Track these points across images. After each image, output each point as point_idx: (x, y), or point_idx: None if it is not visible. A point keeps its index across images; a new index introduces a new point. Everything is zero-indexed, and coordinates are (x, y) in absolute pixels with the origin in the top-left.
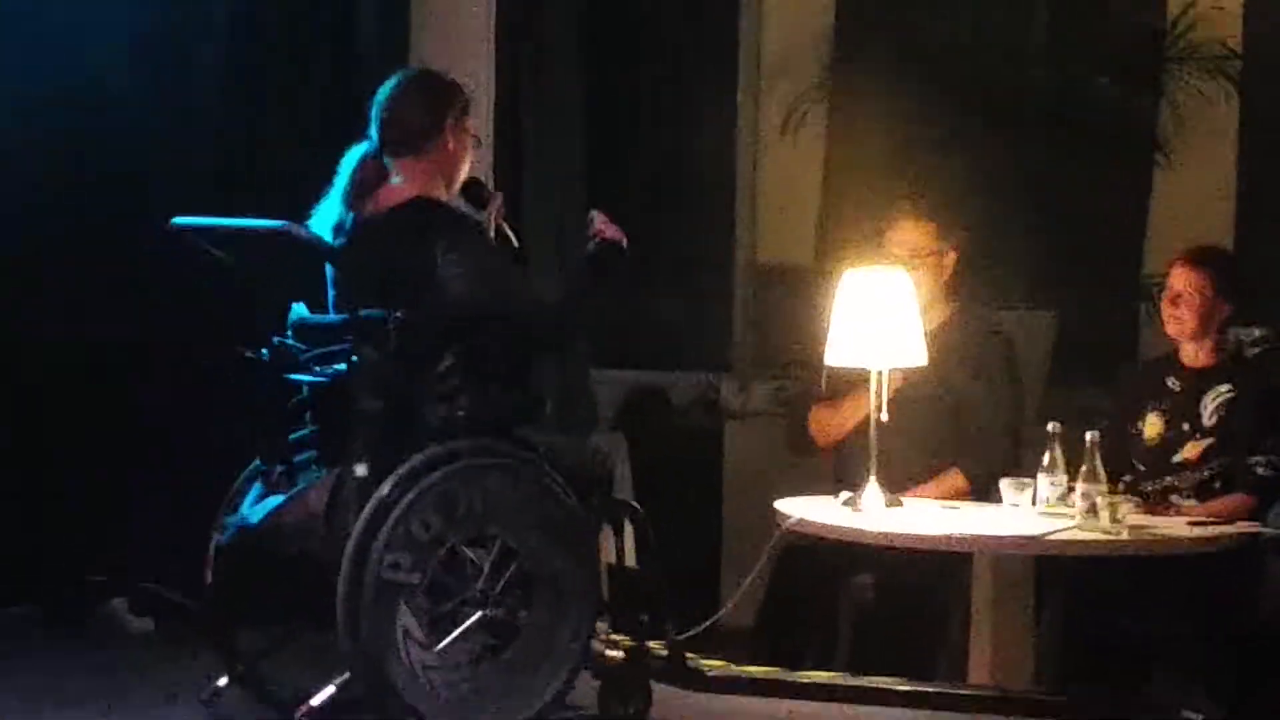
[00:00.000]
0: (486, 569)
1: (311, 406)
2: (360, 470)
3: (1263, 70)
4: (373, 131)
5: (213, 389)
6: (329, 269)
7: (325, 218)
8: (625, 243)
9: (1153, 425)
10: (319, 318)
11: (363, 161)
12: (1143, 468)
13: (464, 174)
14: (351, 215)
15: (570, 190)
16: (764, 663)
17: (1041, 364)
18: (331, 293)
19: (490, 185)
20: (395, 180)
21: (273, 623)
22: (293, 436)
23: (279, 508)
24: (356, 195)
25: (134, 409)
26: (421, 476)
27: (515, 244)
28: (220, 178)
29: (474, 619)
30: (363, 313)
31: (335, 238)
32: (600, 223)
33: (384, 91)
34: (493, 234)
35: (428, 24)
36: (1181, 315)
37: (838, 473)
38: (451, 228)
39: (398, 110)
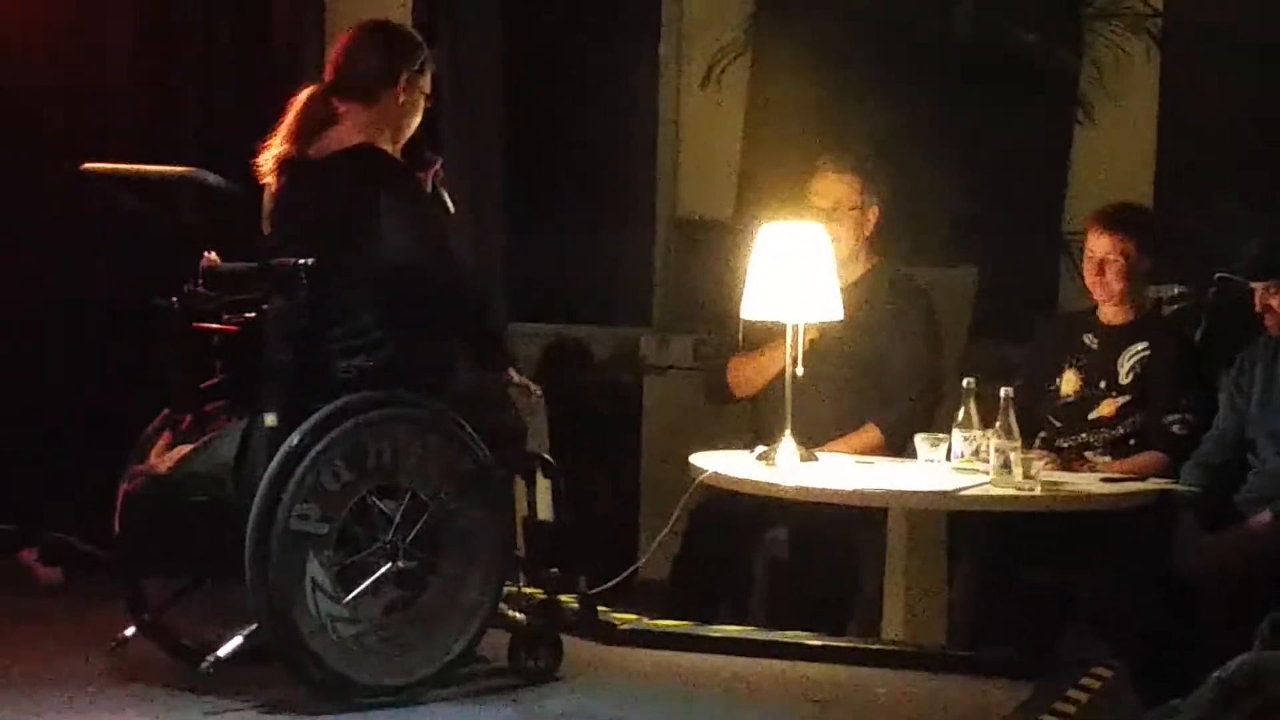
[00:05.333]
0: (396, 520)
1: (222, 355)
2: (270, 420)
3: (1183, 27)
4: (326, 74)
5: (123, 338)
6: (264, 208)
7: (269, 157)
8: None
9: (1069, 382)
10: (230, 265)
11: (311, 99)
12: (1059, 424)
13: (411, 130)
14: (295, 156)
15: (489, 145)
16: (678, 617)
17: (961, 319)
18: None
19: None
20: (342, 124)
21: (181, 572)
22: (203, 385)
23: (188, 457)
24: (303, 136)
25: (42, 359)
26: (331, 427)
27: (450, 209)
28: (136, 135)
29: (383, 570)
30: (274, 261)
31: (277, 178)
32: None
33: (345, 34)
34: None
35: None
36: (1109, 281)
37: (755, 426)
38: (396, 180)
39: (355, 54)
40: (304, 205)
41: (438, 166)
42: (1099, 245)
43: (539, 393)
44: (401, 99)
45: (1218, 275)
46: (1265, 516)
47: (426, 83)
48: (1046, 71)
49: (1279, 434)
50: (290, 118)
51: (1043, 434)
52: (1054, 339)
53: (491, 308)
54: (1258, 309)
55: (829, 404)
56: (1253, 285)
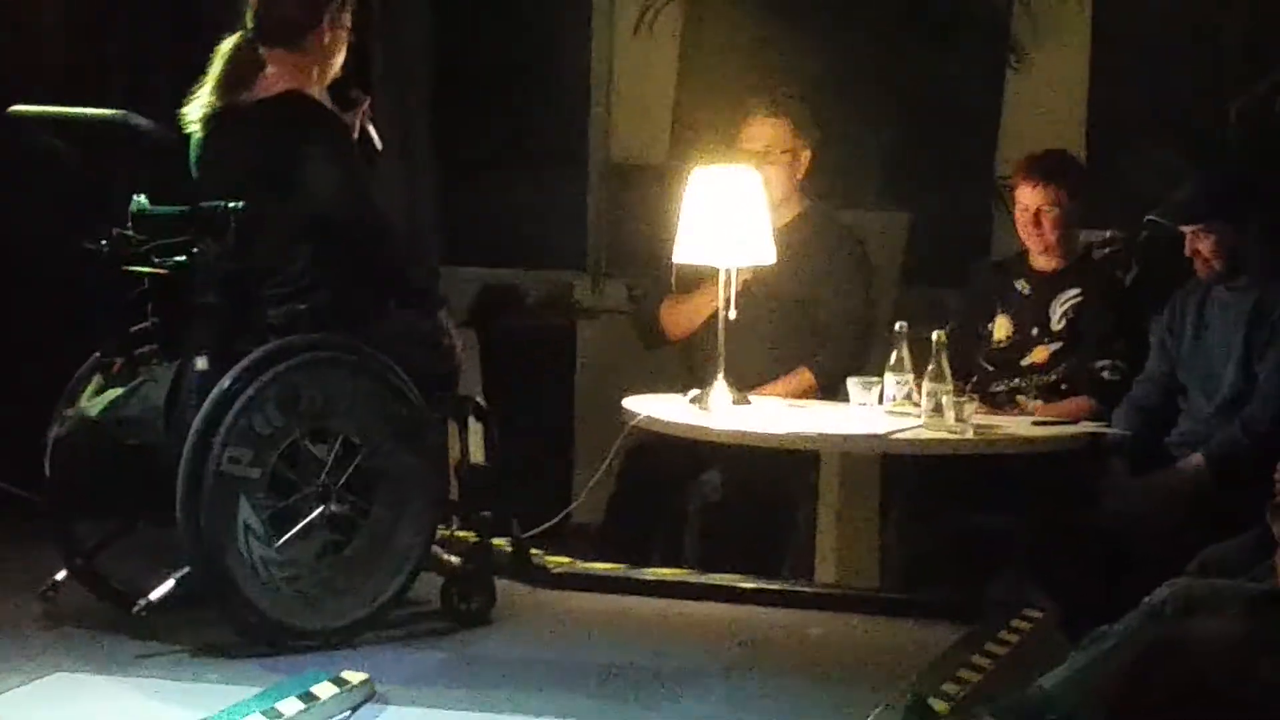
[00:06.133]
0: (329, 464)
1: (152, 298)
2: (201, 363)
3: None
4: (248, 20)
5: (52, 281)
6: (192, 157)
7: (196, 107)
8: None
9: (1002, 327)
10: (160, 209)
11: (236, 50)
12: (991, 369)
13: (336, 69)
14: (222, 105)
15: (419, 88)
16: (612, 560)
17: (893, 263)
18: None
19: None
20: (268, 70)
21: (112, 516)
22: (133, 329)
23: (119, 400)
24: (230, 85)
25: None
26: (263, 370)
27: (378, 146)
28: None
29: (315, 514)
30: (203, 204)
31: (205, 128)
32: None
33: None
34: (357, 135)
35: None
36: (1044, 232)
37: (689, 370)
38: (323, 126)
39: (276, 0)
40: (232, 152)
41: (366, 105)
42: (1032, 197)
43: (461, 344)
44: (326, 39)
45: (1148, 219)
46: (1196, 459)
47: (348, 19)
48: (979, 14)
49: (1209, 378)
50: (216, 68)
51: (975, 379)
52: (987, 285)
53: (412, 257)
54: (1187, 253)
55: (761, 347)
56: (1182, 229)
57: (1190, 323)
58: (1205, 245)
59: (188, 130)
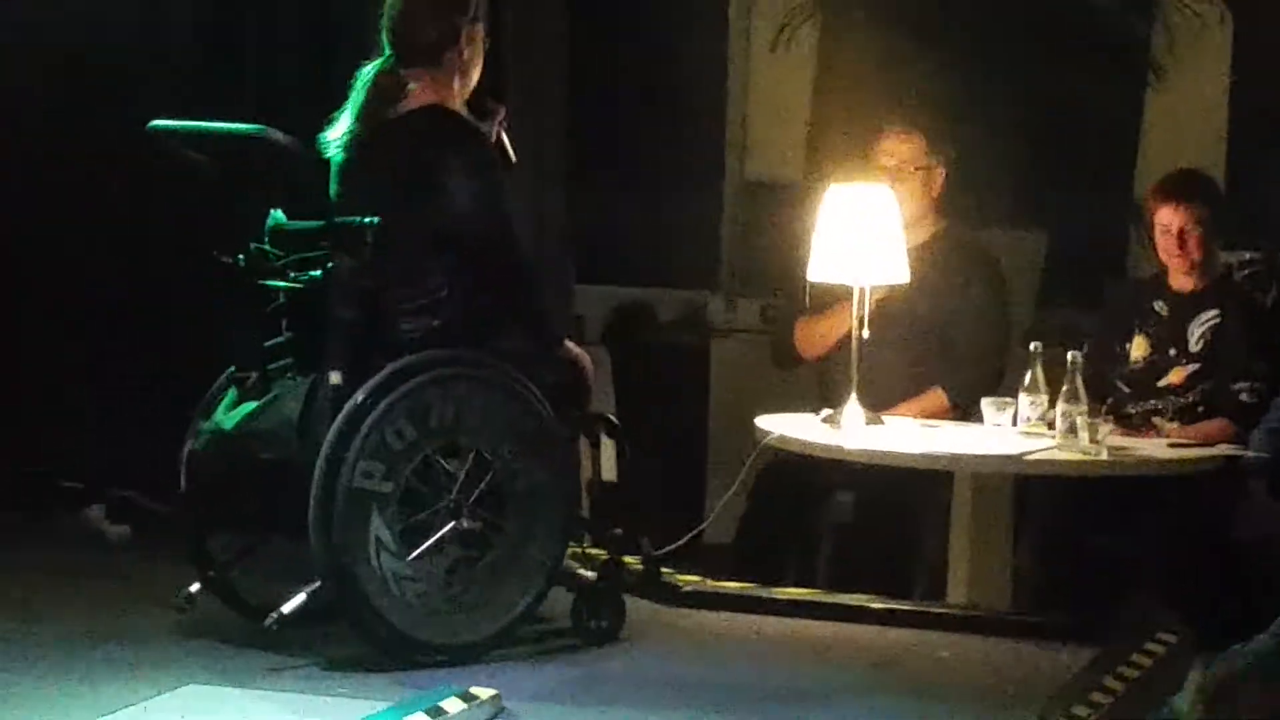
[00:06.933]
0: (460, 479)
1: (287, 313)
2: (335, 378)
3: None
4: (385, 46)
5: (190, 294)
6: (331, 171)
7: (337, 132)
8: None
9: (1139, 347)
10: (296, 224)
11: (379, 75)
12: (1127, 389)
13: (475, 79)
14: (364, 128)
15: (554, 106)
16: (743, 579)
17: (1030, 284)
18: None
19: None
20: (409, 88)
21: (245, 529)
22: (268, 343)
23: (253, 414)
24: (373, 110)
25: (113, 315)
26: (396, 385)
27: (513, 159)
28: (200, 84)
29: (447, 529)
30: (339, 219)
31: (346, 150)
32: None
33: (394, 3)
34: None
35: None
36: (1188, 251)
37: (822, 390)
38: (464, 139)
39: (410, 23)
40: (373, 166)
41: (502, 115)
42: (1174, 217)
43: (589, 364)
44: (465, 53)
45: None
46: None
47: (482, 28)
48: (1118, 35)
49: None
50: (358, 96)
51: (1111, 399)
52: (1124, 304)
53: (538, 285)
54: None
55: (895, 367)
56: None
57: None
58: None
59: (327, 155)
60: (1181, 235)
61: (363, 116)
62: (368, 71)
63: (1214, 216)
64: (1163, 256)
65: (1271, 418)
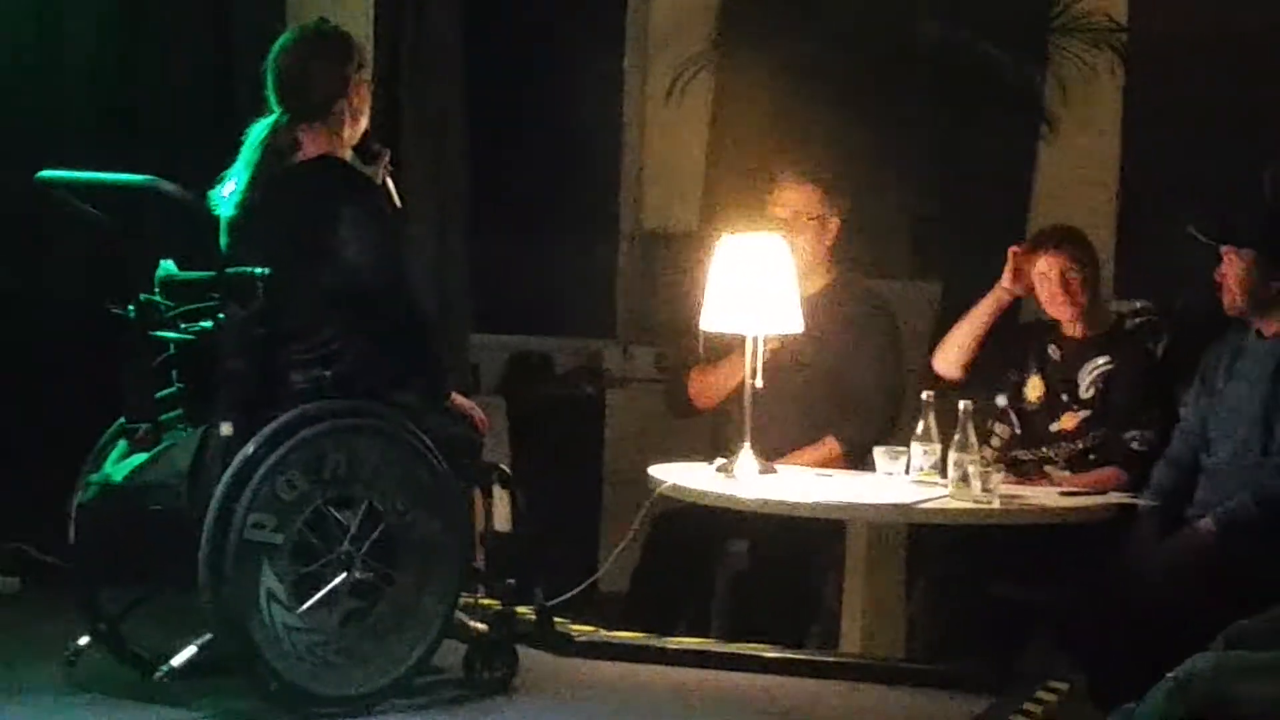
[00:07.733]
0: (352, 531)
1: (178, 364)
2: (225, 429)
3: (1147, 43)
4: (273, 101)
5: (78, 345)
6: (222, 226)
7: (229, 189)
8: None
9: (1035, 388)
10: (187, 274)
11: (272, 133)
12: (1019, 431)
13: (363, 127)
14: (257, 182)
15: (453, 156)
16: (637, 629)
17: (924, 334)
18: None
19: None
20: (301, 140)
21: (136, 582)
22: (159, 394)
23: (143, 466)
24: (265, 168)
25: (1, 366)
26: (287, 436)
27: (398, 203)
28: (95, 133)
29: (339, 581)
30: (230, 270)
31: (237, 208)
32: None
33: (281, 55)
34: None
35: None
36: (1074, 294)
37: (716, 439)
38: (357, 191)
39: (300, 79)
40: (264, 218)
41: (387, 159)
42: (1053, 262)
43: (482, 416)
44: (354, 101)
45: (1186, 230)
46: (1206, 524)
47: (367, 72)
48: (1011, 85)
49: (1227, 435)
50: (250, 154)
51: (1000, 429)
52: (1020, 341)
53: (432, 336)
54: (1216, 278)
55: (789, 416)
56: (1221, 250)
57: (1220, 374)
58: (1234, 271)
59: (218, 211)
60: (1063, 278)
61: (255, 172)
62: (258, 129)
63: (1093, 263)
64: (1048, 309)
65: (1171, 449)
